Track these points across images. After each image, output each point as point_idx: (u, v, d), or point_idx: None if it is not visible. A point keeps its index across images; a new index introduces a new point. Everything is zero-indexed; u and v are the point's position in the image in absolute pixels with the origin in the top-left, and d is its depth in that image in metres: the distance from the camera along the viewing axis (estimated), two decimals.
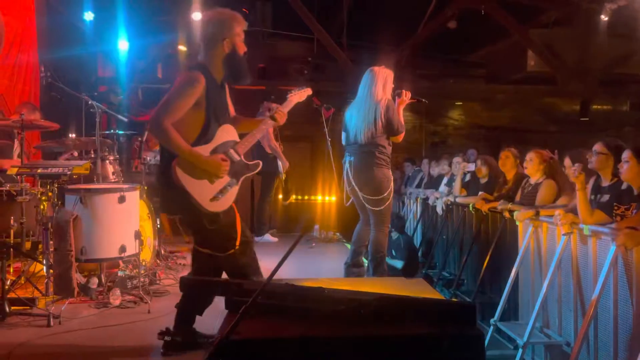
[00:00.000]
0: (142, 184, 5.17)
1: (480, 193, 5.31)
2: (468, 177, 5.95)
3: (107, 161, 4.99)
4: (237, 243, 2.96)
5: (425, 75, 10.78)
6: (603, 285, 2.93)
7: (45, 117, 4.81)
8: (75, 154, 5.10)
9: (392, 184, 4.41)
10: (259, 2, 9.51)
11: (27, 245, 4.11)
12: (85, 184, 4.70)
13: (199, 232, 2.99)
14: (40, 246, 4.10)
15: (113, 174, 5.00)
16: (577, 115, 10.58)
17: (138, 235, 4.33)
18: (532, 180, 4.52)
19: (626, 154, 3.20)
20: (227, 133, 2.97)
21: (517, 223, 4.13)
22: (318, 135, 6.92)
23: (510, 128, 11.37)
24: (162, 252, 5.50)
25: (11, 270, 4.25)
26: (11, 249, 3.90)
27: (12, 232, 3.89)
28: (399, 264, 5.94)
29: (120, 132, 5.87)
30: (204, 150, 2.86)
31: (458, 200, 5.67)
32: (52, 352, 3.20)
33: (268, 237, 7.01)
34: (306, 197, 8.93)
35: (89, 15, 7.80)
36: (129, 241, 4.28)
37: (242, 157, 2.99)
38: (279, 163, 6.95)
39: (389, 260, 5.57)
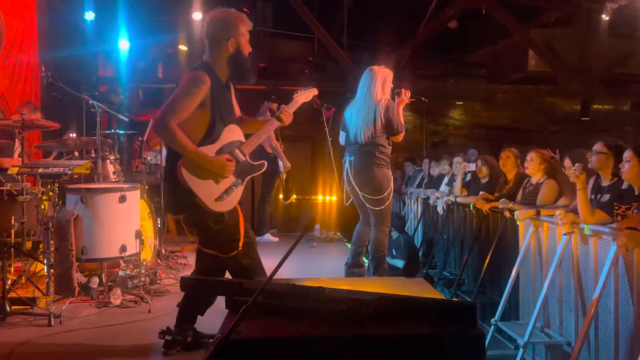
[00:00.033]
0: (143, 183, 5.17)
1: (480, 193, 5.31)
2: (469, 177, 5.95)
3: (108, 161, 4.99)
4: (240, 244, 2.97)
5: (426, 75, 10.79)
6: (604, 285, 2.93)
7: (46, 117, 4.81)
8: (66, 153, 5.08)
9: (392, 183, 4.41)
10: (259, 2, 9.51)
11: (28, 244, 4.11)
12: (86, 183, 4.70)
13: (204, 232, 2.99)
14: (41, 246, 4.10)
15: (114, 173, 5.00)
16: (578, 115, 10.57)
17: (139, 234, 4.34)
18: (533, 180, 4.52)
19: (627, 154, 3.20)
20: (232, 133, 2.98)
21: (518, 223, 4.12)
22: (319, 135, 6.92)
23: (510, 128, 11.37)
24: (163, 251, 5.51)
25: (12, 269, 4.25)
26: (12, 249, 3.91)
27: (12, 231, 3.89)
28: (399, 263, 5.94)
29: (121, 131, 5.87)
30: (210, 150, 2.86)
31: (459, 200, 5.66)
32: (52, 351, 3.20)
33: (269, 236, 7.01)
34: (307, 197, 8.94)
35: (89, 15, 7.81)
36: (130, 241, 4.29)
37: (248, 157, 3.00)
38: (280, 163, 6.96)
39: (389, 260, 5.57)
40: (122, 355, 3.16)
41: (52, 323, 3.55)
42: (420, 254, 6.55)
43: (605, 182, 3.55)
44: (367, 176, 4.33)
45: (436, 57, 10.87)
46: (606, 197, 3.45)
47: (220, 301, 2.12)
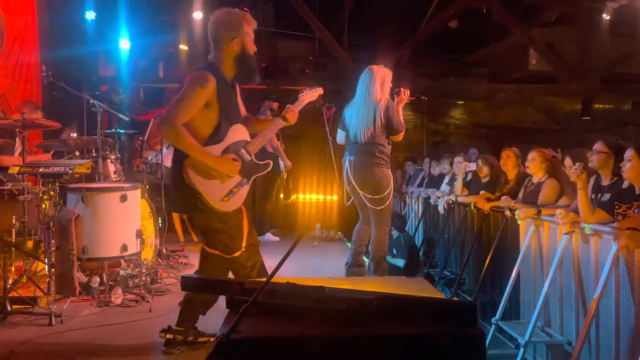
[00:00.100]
0: (144, 183, 5.17)
1: (481, 192, 5.31)
2: (469, 177, 5.95)
3: (109, 160, 4.99)
4: (244, 244, 2.98)
5: (427, 74, 10.78)
6: (604, 284, 2.93)
7: (46, 116, 4.81)
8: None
9: (392, 183, 4.41)
10: (260, 2, 9.50)
11: (29, 244, 4.12)
12: (87, 183, 4.71)
13: (208, 232, 3.00)
14: (42, 245, 4.11)
15: (114, 173, 5.01)
16: (579, 114, 10.56)
17: (139, 234, 4.34)
18: (535, 180, 4.51)
19: (629, 153, 3.20)
20: (238, 133, 2.98)
21: (519, 222, 4.12)
22: (319, 134, 6.93)
23: (511, 127, 11.36)
24: (164, 251, 5.51)
25: (13, 269, 4.25)
26: (13, 248, 3.91)
27: (14, 231, 3.90)
28: (400, 262, 5.94)
29: (122, 131, 5.87)
30: (215, 150, 2.87)
31: (459, 199, 5.66)
32: (53, 350, 3.20)
33: (269, 236, 7.02)
34: (307, 196, 8.94)
35: (90, 15, 7.81)
36: (131, 240, 4.29)
37: (253, 156, 3.00)
38: (281, 162, 6.96)
39: (390, 259, 5.57)
40: (122, 354, 3.16)
41: (53, 322, 3.56)
42: (421, 253, 6.56)
43: (606, 182, 3.55)
44: (367, 176, 4.33)
45: (437, 56, 10.87)
46: (607, 196, 3.44)
47: (221, 300, 2.12)
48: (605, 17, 8.95)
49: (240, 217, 3.00)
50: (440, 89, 10.73)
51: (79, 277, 4.13)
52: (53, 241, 3.99)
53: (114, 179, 4.94)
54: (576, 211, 3.41)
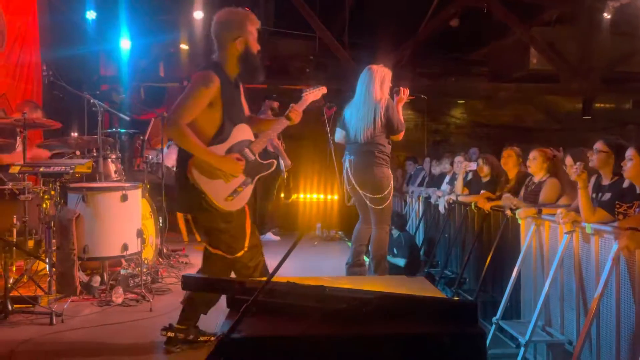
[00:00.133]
0: (144, 182, 5.18)
1: (482, 192, 5.31)
2: (470, 176, 5.95)
3: (109, 160, 4.99)
4: (246, 244, 2.98)
5: (427, 74, 10.78)
6: (605, 283, 2.93)
7: (47, 116, 4.82)
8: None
9: (392, 182, 4.40)
10: (261, 1, 9.51)
11: (30, 243, 4.12)
12: (88, 182, 4.71)
13: (212, 232, 3.00)
14: (42, 244, 4.12)
15: (115, 172, 5.01)
16: (580, 113, 10.56)
17: (140, 233, 4.34)
18: (536, 179, 4.51)
19: (630, 152, 3.19)
20: (242, 132, 2.99)
21: (519, 221, 4.12)
22: (320, 134, 6.93)
23: (512, 126, 11.36)
24: (164, 250, 5.52)
25: (14, 268, 4.25)
26: (14, 248, 3.91)
27: (14, 230, 3.90)
28: (400, 262, 5.94)
29: (122, 130, 5.88)
30: (219, 149, 2.88)
31: (460, 199, 5.66)
32: (54, 350, 3.20)
33: (270, 235, 7.02)
34: (308, 196, 8.94)
35: (91, 14, 7.81)
36: (131, 239, 4.29)
37: (257, 156, 3.01)
38: (281, 161, 6.96)
39: (390, 259, 5.57)
40: (123, 354, 3.16)
41: (54, 322, 3.56)
42: (421, 252, 6.56)
43: (606, 181, 3.55)
44: (367, 175, 4.32)
45: (437, 56, 10.86)
46: (607, 195, 3.44)
47: (222, 300, 2.13)
48: (606, 16, 8.94)
49: (244, 217, 3.00)
50: (441, 88, 10.73)
51: (80, 276, 4.13)
52: (54, 241, 4.00)
53: (115, 179, 4.95)
54: (577, 211, 3.41)
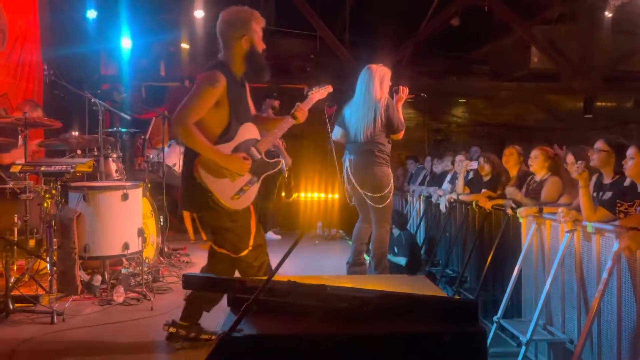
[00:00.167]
0: (145, 181, 5.18)
1: (483, 191, 5.30)
2: (471, 175, 5.94)
3: (110, 159, 4.99)
4: (251, 243, 2.99)
5: (428, 73, 10.76)
6: (606, 282, 2.93)
7: (48, 115, 4.82)
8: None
9: (392, 181, 4.40)
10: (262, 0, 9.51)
11: (31, 242, 4.12)
12: (89, 181, 4.71)
13: (218, 230, 3.01)
14: (43, 244, 4.12)
15: (116, 171, 5.01)
16: (581, 112, 10.55)
17: (141, 232, 4.34)
18: (537, 177, 4.51)
19: (631, 151, 3.19)
20: (248, 131, 3.00)
21: (520, 220, 4.12)
22: (320, 132, 6.92)
23: (513, 125, 11.35)
24: (166, 249, 5.52)
25: (15, 267, 4.25)
26: (15, 247, 3.91)
27: (15, 229, 3.90)
28: (401, 261, 5.94)
29: (123, 129, 5.87)
30: (226, 148, 2.89)
31: (461, 197, 5.66)
32: (55, 348, 3.21)
33: (271, 234, 7.02)
34: (309, 195, 8.94)
35: (91, 13, 7.81)
36: (132, 239, 4.30)
37: (264, 155, 3.01)
38: (282, 160, 6.95)
39: (391, 258, 5.57)
40: (124, 353, 3.16)
41: (55, 320, 3.57)
42: (422, 251, 6.55)
43: (607, 180, 3.54)
44: (367, 174, 4.32)
45: (438, 55, 10.85)
46: (608, 194, 3.44)
47: (224, 299, 2.13)
48: (607, 14, 8.92)
49: (249, 216, 3.01)
50: (442, 87, 10.73)
51: (81, 275, 4.14)
52: (55, 240, 4.00)
53: (116, 178, 4.95)
54: (578, 209, 3.41)
